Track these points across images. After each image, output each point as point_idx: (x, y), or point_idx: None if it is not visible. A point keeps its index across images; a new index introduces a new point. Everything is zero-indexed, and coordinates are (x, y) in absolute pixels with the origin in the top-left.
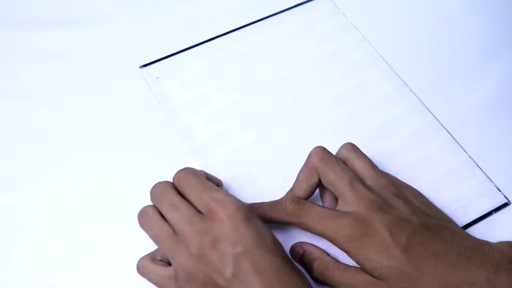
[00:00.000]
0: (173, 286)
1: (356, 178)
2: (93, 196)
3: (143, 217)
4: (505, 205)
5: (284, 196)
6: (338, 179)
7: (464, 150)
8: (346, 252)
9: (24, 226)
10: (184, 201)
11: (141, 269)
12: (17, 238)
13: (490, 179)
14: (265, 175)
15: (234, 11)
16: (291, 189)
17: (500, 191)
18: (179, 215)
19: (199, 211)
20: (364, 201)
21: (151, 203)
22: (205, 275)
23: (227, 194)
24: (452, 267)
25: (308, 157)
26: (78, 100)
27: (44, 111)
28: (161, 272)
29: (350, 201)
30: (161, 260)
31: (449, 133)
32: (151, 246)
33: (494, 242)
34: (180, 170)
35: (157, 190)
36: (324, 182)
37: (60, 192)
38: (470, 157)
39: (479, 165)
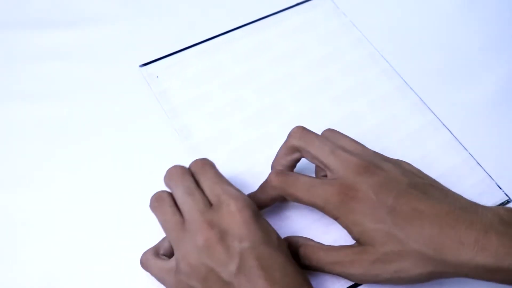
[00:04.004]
0: (172, 279)
1: (338, 146)
2: (93, 195)
3: (157, 201)
4: (506, 202)
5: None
6: (319, 151)
7: (465, 148)
8: (336, 219)
9: (24, 226)
10: (199, 189)
11: (144, 262)
12: (17, 238)
13: (490, 176)
14: (265, 174)
15: (234, 10)
16: (271, 165)
17: (500, 188)
18: (192, 201)
19: (209, 203)
20: (350, 165)
21: (165, 185)
22: (208, 268)
23: (238, 190)
24: (439, 226)
25: (287, 138)
26: (78, 99)
27: (45, 111)
28: (162, 265)
29: (335, 168)
30: (164, 255)
31: (450, 131)
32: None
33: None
34: (199, 159)
35: (176, 171)
36: (309, 158)
37: (60, 192)
38: (471, 155)
39: (480, 163)
